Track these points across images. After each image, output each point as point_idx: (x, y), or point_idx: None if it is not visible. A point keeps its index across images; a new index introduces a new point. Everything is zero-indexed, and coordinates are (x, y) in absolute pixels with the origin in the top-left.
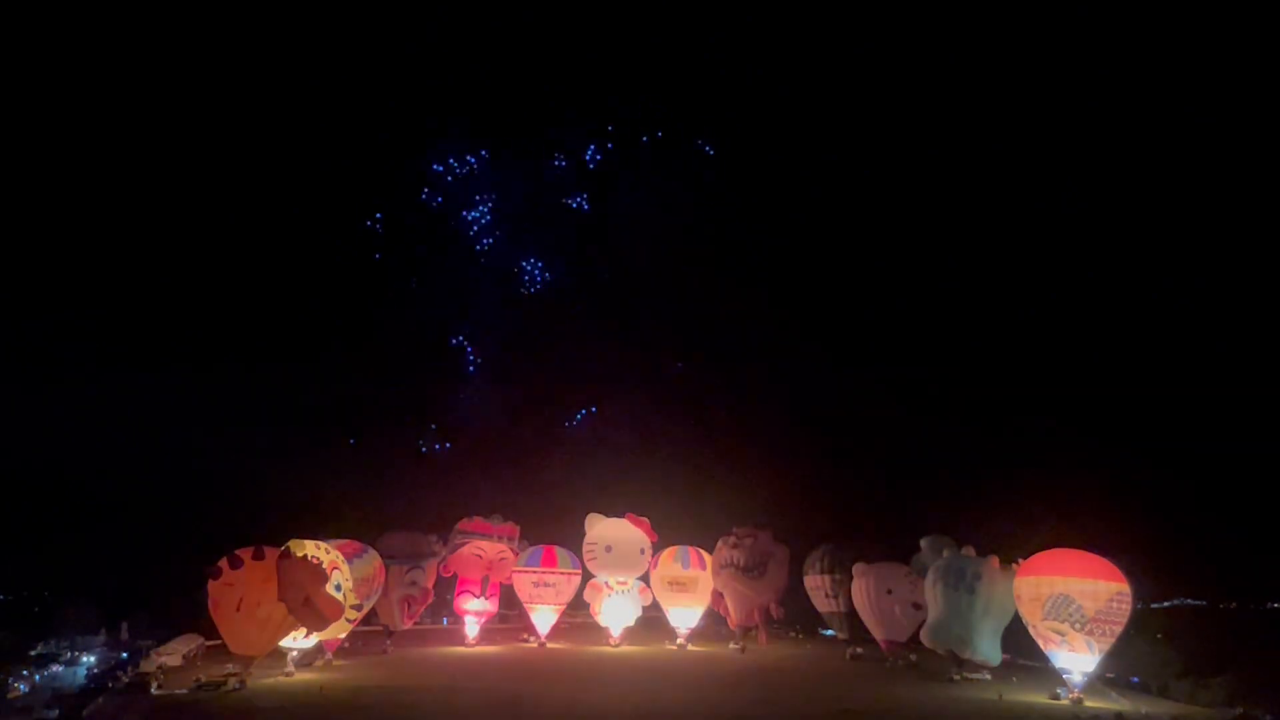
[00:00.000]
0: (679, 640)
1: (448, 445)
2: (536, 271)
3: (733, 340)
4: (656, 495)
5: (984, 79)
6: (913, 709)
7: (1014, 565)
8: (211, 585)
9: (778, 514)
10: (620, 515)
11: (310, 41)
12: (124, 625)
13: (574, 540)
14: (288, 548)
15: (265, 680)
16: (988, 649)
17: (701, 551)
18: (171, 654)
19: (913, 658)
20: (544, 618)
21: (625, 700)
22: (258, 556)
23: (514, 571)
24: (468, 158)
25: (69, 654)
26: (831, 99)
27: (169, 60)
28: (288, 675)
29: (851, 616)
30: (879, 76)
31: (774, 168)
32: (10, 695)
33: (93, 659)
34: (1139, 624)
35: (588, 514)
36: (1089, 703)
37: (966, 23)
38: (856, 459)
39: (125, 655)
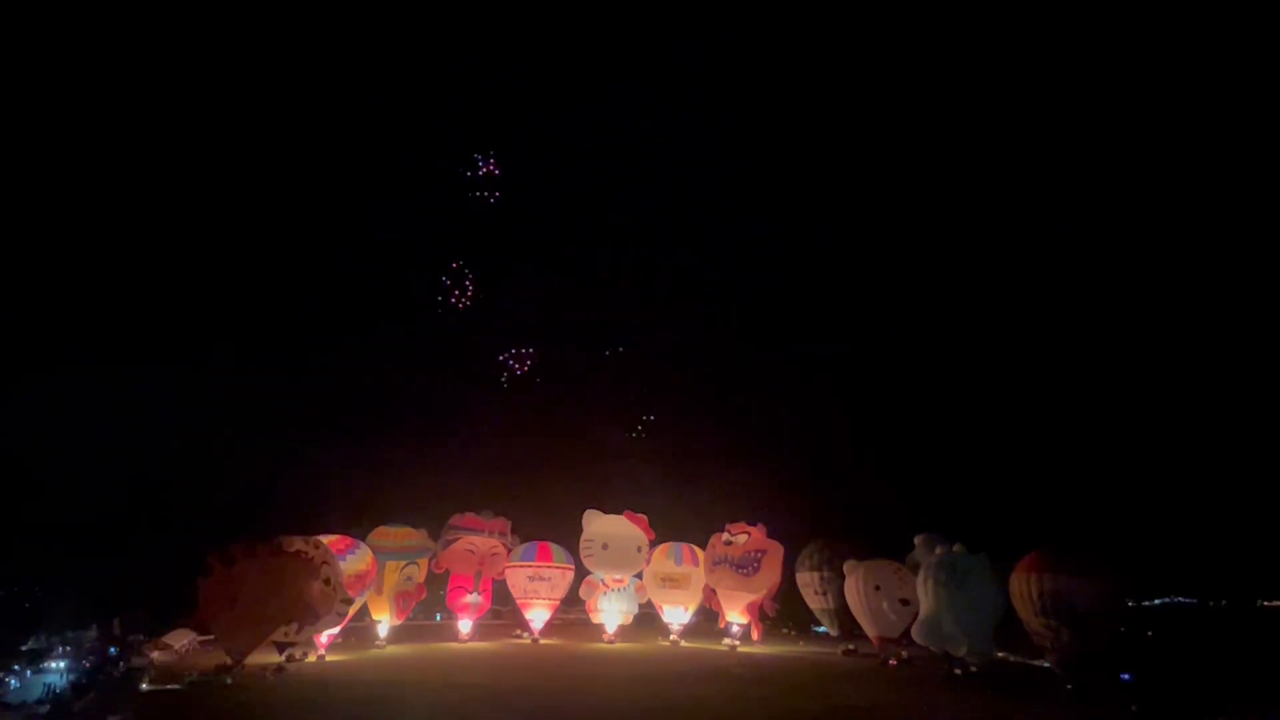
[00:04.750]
0: (672, 636)
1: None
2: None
3: (727, 338)
4: (653, 491)
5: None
6: (906, 706)
7: (1007, 563)
8: (203, 581)
9: (772, 510)
10: (618, 512)
11: (312, 41)
12: (116, 620)
13: (569, 537)
14: (279, 543)
15: (257, 676)
16: (980, 646)
17: (694, 548)
18: (164, 649)
19: (904, 654)
20: (538, 614)
21: (619, 696)
22: (249, 553)
23: (507, 566)
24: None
25: (60, 649)
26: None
27: (170, 61)
28: (280, 670)
29: (842, 613)
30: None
31: (774, 166)
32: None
33: (84, 654)
34: (1131, 621)
35: (585, 510)
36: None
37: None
38: (851, 455)
39: (116, 650)
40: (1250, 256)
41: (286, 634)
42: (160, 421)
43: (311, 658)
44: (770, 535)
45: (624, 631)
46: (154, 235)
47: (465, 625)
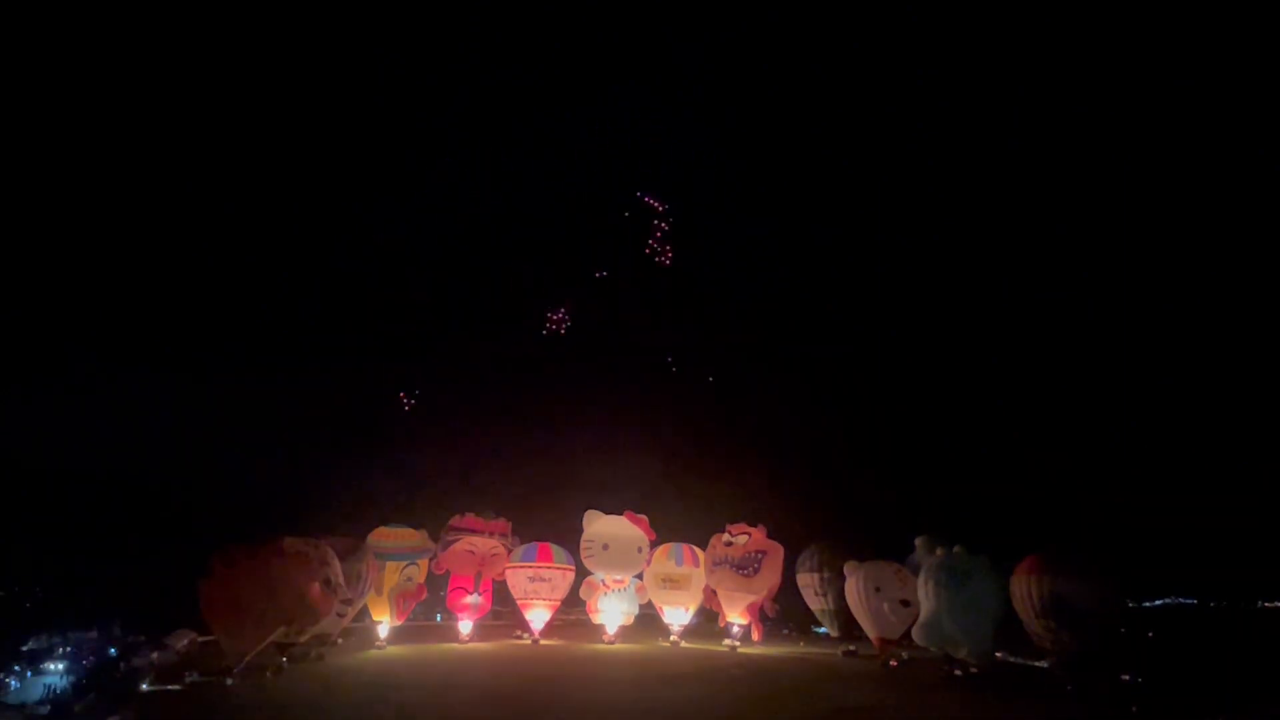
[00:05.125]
0: (672, 637)
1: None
2: None
3: (729, 338)
4: (653, 492)
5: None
6: (906, 707)
7: (1008, 564)
8: (204, 582)
9: (772, 510)
10: (619, 512)
11: (313, 41)
12: (117, 621)
13: (569, 538)
14: (280, 544)
15: (257, 676)
16: (980, 647)
17: (695, 549)
18: (164, 650)
19: (904, 655)
20: (538, 614)
21: (620, 697)
22: (250, 553)
23: (508, 567)
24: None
25: (61, 650)
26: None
27: (170, 61)
28: (280, 671)
29: (841, 614)
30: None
31: (774, 166)
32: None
33: (85, 655)
34: (1131, 622)
35: (585, 510)
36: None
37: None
38: (851, 456)
39: (115, 651)
40: (1250, 256)
41: (287, 635)
42: (161, 422)
43: (312, 655)
44: (771, 536)
45: (624, 632)
46: (154, 236)
47: (465, 626)
